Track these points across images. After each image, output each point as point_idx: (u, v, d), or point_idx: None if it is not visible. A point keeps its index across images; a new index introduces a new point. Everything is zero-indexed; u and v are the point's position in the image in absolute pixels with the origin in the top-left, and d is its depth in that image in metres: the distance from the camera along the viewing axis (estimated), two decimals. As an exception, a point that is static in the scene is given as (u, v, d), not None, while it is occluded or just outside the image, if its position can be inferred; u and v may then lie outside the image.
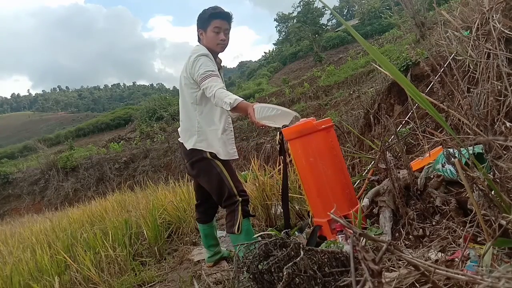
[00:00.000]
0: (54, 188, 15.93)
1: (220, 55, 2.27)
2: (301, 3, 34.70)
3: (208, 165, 2.14)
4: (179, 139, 2.32)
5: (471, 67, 2.15)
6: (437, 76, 2.68)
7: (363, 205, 2.06)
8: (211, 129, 2.14)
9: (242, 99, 1.87)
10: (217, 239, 2.54)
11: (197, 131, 2.15)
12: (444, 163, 1.73)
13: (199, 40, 2.19)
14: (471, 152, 1.29)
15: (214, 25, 2.09)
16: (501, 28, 1.78)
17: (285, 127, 2.04)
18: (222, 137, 2.14)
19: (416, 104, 2.90)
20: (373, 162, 2.65)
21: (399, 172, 2.03)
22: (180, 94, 2.25)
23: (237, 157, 2.24)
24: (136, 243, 3.34)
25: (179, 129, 2.33)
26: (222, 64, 2.31)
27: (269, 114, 1.86)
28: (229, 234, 2.16)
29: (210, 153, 2.13)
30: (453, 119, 2.31)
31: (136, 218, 3.87)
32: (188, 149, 2.18)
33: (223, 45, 2.17)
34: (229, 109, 1.85)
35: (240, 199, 2.11)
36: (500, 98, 1.72)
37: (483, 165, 1.37)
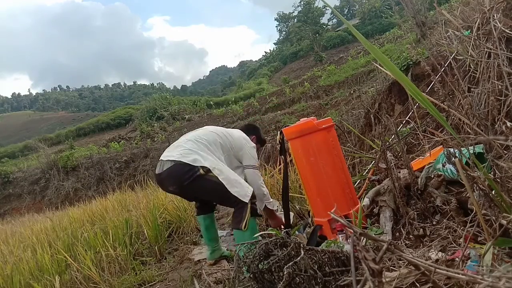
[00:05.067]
0: (54, 187, 15.92)
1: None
2: (302, 3, 34.69)
3: (207, 181, 2.14)
4: (168, 158, 2.21)
5: (472, 66, 2.15)
6: (438, 75, 2.68)
7: (363, 205, 2.06)
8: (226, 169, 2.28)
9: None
10: (217, 234, 2.58)
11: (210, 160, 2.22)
12: (445, 162, 1.73)
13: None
14: (471, 151, 1.29)
15: (258, 148, 2.69)
16: (502, 28, 1.78)
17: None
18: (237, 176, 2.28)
19: (417, 104, 2.89)
20: (373, 161, 2.65)
21: (399, 172, 2.03)
22: (212, 143, 2.35)
23: None
24: (136, 243, 3.34)
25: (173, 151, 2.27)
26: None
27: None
28: (234, 230, 2.19)
29: (203, 167, 2.12)
30: (453, 118, 2.31)
31: (137, 217, 3.87)
32: (185, 163, 2.13)
33: None
34: (267, 201, 2.45)
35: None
36: (501, 98, 1.71)
37: (483, 164, 1.37)
